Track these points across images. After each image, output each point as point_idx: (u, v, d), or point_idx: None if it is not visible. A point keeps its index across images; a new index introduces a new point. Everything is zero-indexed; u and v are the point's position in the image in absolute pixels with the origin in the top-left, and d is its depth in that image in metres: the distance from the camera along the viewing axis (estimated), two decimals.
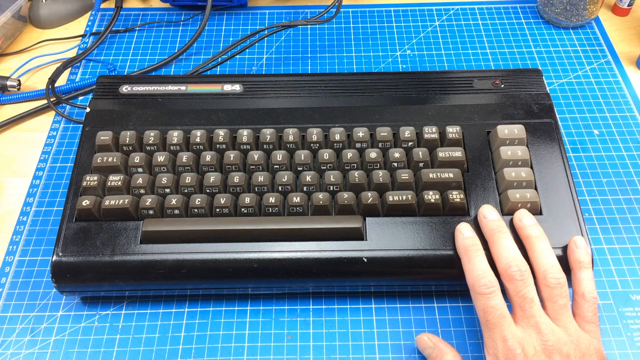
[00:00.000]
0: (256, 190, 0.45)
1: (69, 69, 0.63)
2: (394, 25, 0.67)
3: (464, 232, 0.42)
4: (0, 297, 0.46)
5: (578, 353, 0.36)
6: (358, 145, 0.47)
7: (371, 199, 0.44)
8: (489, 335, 0.37)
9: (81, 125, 0.57)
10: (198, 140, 0.48)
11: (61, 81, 0.61)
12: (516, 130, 0.47)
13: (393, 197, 0.44)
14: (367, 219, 0.44)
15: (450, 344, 0.41)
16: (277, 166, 0.47)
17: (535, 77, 0.52)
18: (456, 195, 0.44)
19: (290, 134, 0.48)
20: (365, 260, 0.42)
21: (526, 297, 0.38)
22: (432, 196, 0.44)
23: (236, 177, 0.45)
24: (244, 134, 0.48)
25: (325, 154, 0.47)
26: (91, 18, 0.69)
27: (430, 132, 0.47)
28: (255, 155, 0.47)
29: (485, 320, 0.38)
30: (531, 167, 0.46)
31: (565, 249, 0.42)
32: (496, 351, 0.37)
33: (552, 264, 0.39)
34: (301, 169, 0.47)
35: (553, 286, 0.38)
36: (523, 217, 0.42)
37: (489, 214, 0.42)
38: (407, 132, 0.48)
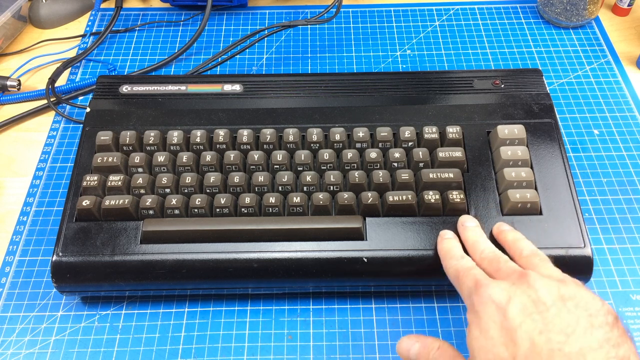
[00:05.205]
0: (256, 190, 0.45)
1: (69, 69, 0.63)
2: (394, 25, 0.67)
3: (445, 234, 0.42)
4: (0, 297, 0.46)
5: (582, 289, 0.33)
6: (358, 145, 0.47)
7: (371, 199, 0.44)
8: (478, 301, 0.33)
9: (81, 125, 0.57)
10: (198, 140, 0.48)
11: (61, 81, 0.61)
12: (516, 130, 0.47)
13: (393, 197, 0.44)
14: (367, 219, 0.44)
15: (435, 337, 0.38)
16: (277, 166, 0.47)
17: (535, 77, 0.52)
18: (456, 196, 0.44)
19: (290, 134, 0.48)
20: (365, 260, 0.42)
21: (503, 261, 0.36)
22: (432, 196, 0.44)
23: (236, 177, 0.45)
24: (244, 134, 0.48)
25: (325, 154, 0.47)
26: (91, 18, 0.69)
27: (430, 132, 0.47)
28: (255, 155, 0.47)
29: (465, 287, 0.35)
30: (531, 167, 0.46)
31: (565, 249, 0.42)
32: (488, 320, 0.32)
33: (527, 245, 0.38)
34: (301, 169, 0.47)
35: (529, 254, 0.37)
36: (501, 225, 0.42)
37: (467, 221, 0.42)
38: (407, 132, 0.48)
